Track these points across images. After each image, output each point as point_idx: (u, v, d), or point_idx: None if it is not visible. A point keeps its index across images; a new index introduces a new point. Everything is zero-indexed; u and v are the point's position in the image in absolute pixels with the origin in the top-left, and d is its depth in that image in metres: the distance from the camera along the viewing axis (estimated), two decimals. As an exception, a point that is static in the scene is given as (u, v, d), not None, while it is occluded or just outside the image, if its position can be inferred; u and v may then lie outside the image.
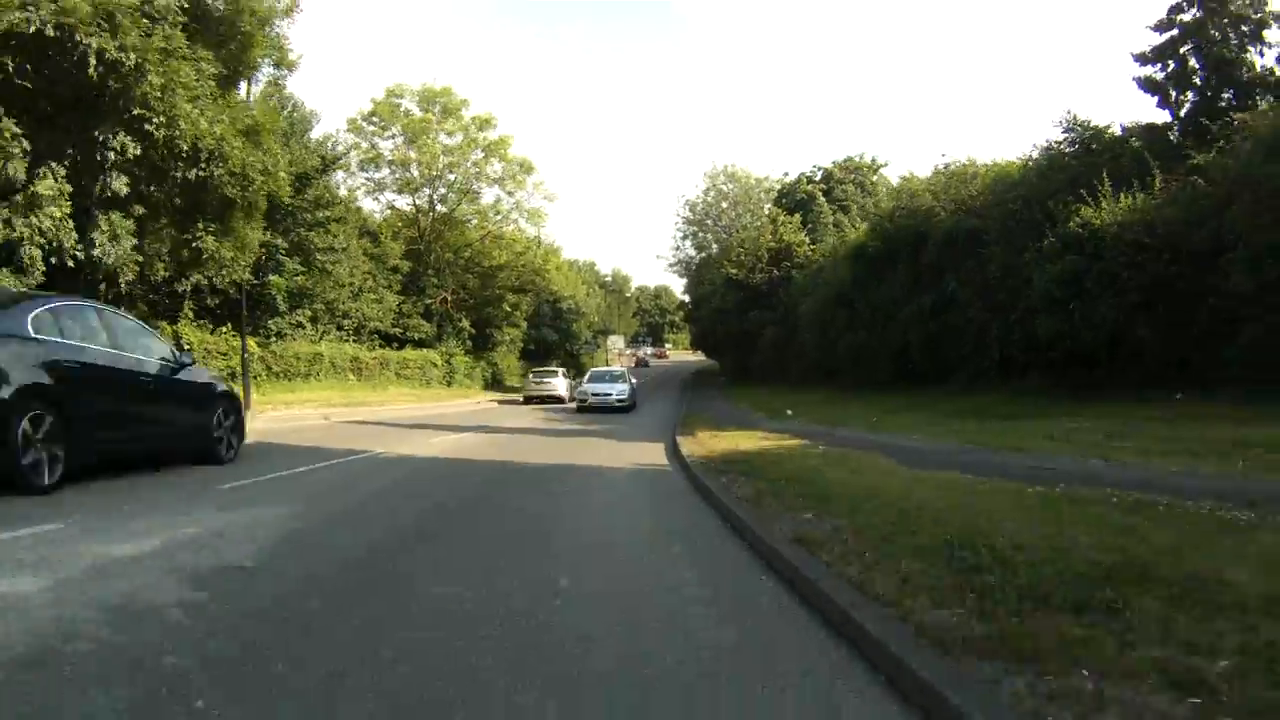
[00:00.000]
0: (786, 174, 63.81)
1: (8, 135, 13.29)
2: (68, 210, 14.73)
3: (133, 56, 13.79)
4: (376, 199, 49.93)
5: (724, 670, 3.27)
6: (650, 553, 5.86)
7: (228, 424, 9.92)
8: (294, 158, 26.93)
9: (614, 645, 3.54)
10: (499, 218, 50.64)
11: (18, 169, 13.56)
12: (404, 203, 50.49)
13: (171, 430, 9.08)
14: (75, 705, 2.71)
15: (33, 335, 7.04)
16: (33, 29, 12.80)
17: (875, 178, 53.87)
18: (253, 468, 9.35)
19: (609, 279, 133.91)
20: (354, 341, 36.88)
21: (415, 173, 49.17)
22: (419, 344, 42.89)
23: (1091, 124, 22.45)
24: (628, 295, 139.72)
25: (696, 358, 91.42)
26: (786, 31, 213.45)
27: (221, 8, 17.80)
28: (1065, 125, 22.46)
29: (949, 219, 23.53)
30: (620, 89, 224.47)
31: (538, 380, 37.65)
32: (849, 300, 29.32)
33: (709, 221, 73.05)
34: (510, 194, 50.94)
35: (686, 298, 79.85)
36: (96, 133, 14.52)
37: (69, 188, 14.80)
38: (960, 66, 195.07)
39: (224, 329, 26.48)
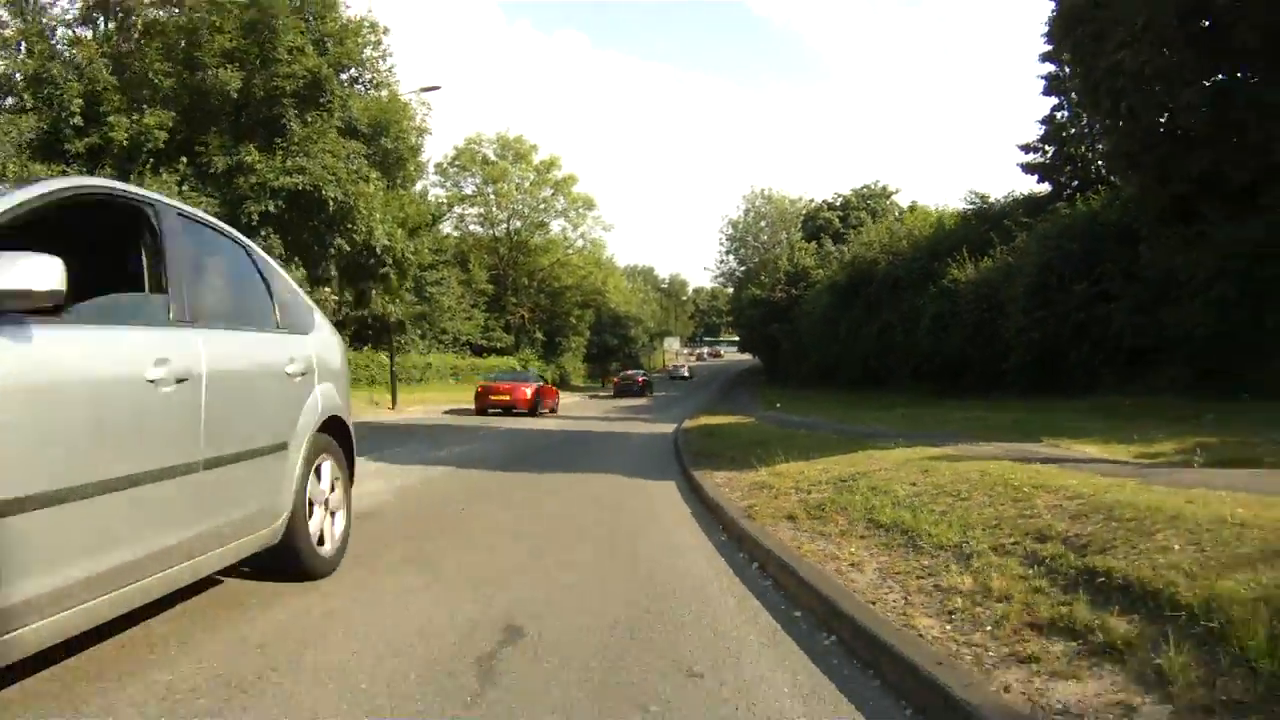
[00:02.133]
0: (813, 200, 71.86)
1: (275, 251, 23.13)
2: (306, 289, 24.59)
3: (350, 199, 23.58)
4: (458, 229, 59.92)
5: (653, 465, 12.59)
6: (638, 450, 15.21)
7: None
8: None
9: (621, 462, 12.86)
10: (566, 246, 60.32)
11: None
12: (482, 230, 60.51)
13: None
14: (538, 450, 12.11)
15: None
16: (299, 188, 22.61)
17: (887, 202, 61.85)
18: (457, 436, 18.92)
19: (666, 283, 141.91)
20: (452, 352, 46.76)
21: (495, 209, 59.25)
22: (500, 352, 52.63)
23: (988, 198, 31.30)
24: (684, 298, 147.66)
25: (748, 358, 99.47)
26: (830, 59, 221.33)
27: (388, 146, 27.66)
28: (968, 200, 31.44)
29: (886, 266, 32.49)
30: (686, 100, 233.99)
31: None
32: (834, 320, 38.29)
33: (749, 239, 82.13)
34: (575, 226, 60.88)
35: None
36: (325, 238, 24.45)
37: (304, 272, 24.66)
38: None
39: (366, 347, 36.32)
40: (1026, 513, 4.81)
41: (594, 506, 7.87)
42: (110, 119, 22.13)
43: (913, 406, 23.06)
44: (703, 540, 6.30)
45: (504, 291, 55.47)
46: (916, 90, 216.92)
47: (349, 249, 24.98)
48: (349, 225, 24.39)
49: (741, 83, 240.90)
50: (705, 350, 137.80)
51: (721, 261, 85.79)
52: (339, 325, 32.99)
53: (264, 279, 4.45)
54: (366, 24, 26.54)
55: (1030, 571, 3.81)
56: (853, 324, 35.32)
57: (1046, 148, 30.81)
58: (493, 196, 58.57)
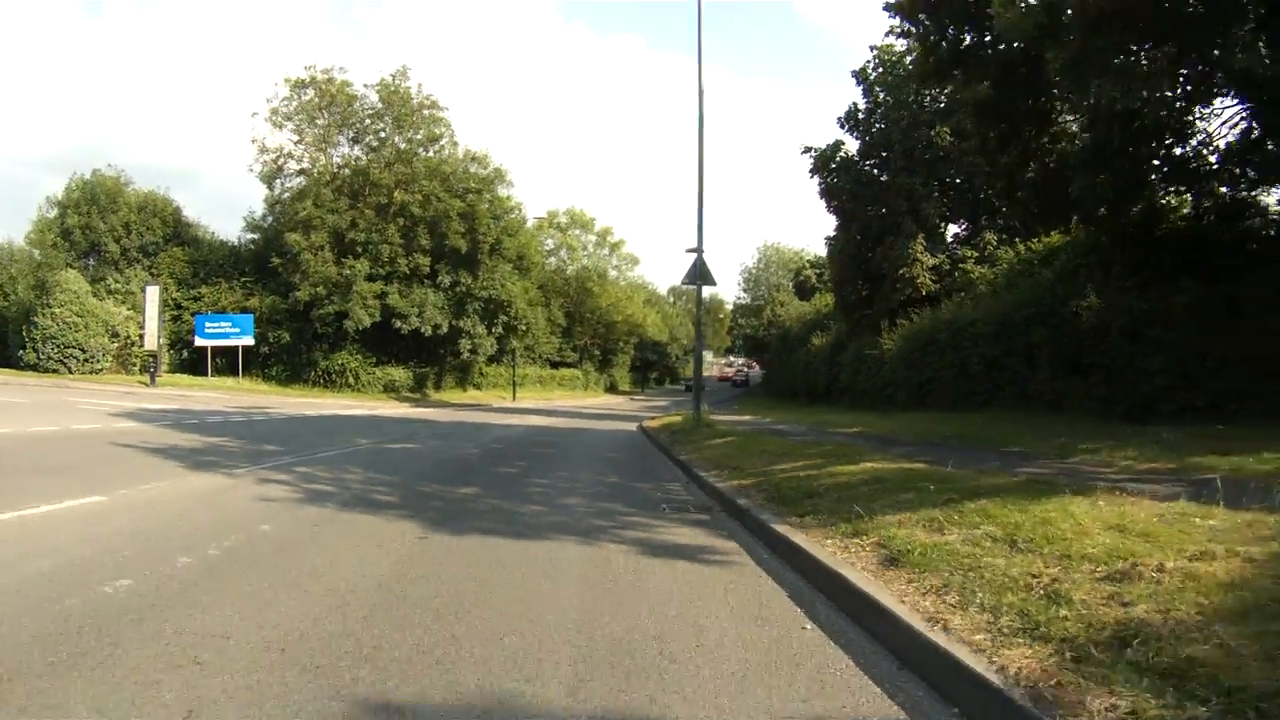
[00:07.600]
0: (805, 255, 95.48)
1: (478, 322, 48.00)
2: (482, 340, 49.45)
3: (511, 298, 48.40)
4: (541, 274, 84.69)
5: (634, 421, 37.13)
6: (627, 419, 39.75)
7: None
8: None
9: (624, 419, 37.43)
10: (617, 293, 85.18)
11: (476, 332, 48.34)
12: (555, 275, 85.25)
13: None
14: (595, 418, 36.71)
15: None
16: (489, 296, 47.47)
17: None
18: (556, 412, 43.51)
19: (706, 303, 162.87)
20: (537, 366, 71.48)
21: (566, 262, 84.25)
22: (569, 365, 77.49)
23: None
24: (720, 316, 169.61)
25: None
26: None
27: (526, 266, 52.65)
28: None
29: (795, 328, 56.57)
30: (740, 107, 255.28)
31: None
32: (778, 359, 62.36)
33: (761, 279, 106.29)
34: (622, 276, 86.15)
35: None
36: (496, 316, 49.30)
37: (486, 331, 49.47)
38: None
39: (494, 364, 61.04)
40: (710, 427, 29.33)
41: (608, 422, 32.38)
42: (399, 260, 46.92)
43: (779, 409, 46.98)
44: (633, 430, 30.65)
45: (572, 323, 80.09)
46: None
47: (506, 319, 49.86)
48: (508, 310, 49.28)
49: (790, 84, 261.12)
50: (740, 362, 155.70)
51: (739, 297, 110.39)
52: (486, 355, 57.94)
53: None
54: (514, 205, 51.78)
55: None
56: (784, 362, 59.32)
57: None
58: (564, 254, 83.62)
